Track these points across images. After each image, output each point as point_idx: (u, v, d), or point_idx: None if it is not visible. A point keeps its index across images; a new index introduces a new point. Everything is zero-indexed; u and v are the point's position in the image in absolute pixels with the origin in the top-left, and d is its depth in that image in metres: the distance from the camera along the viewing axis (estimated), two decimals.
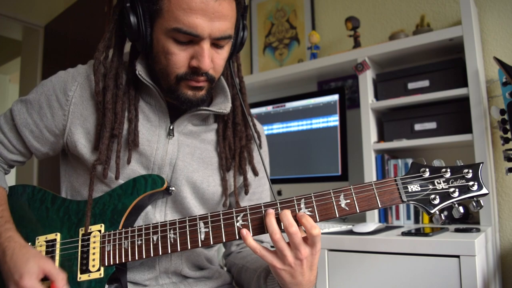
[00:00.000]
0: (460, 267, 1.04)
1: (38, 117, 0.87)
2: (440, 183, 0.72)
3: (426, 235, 1.14)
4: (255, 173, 0.99)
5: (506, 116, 1.17)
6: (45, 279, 0.78)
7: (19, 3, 3.17)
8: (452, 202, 0.72)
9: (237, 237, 0.75)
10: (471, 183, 0.71)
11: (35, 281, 0.72)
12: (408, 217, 1.55)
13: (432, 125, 1.54)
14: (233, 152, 0.95)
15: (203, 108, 0.88)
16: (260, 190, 1.03)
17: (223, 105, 0.91)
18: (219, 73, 0.85)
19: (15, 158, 0.92)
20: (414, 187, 0.73)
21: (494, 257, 1.37)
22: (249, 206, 0.76)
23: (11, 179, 0.93)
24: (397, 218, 1.57)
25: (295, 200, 0.75)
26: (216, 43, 0.80)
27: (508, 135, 1.17)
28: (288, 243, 0.72)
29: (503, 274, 1.49)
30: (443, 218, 0.72)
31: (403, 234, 1.19)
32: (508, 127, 1.17)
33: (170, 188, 0.85)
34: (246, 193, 0.97)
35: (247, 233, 0.74)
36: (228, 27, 0.79)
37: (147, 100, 0.90)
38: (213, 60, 0.81)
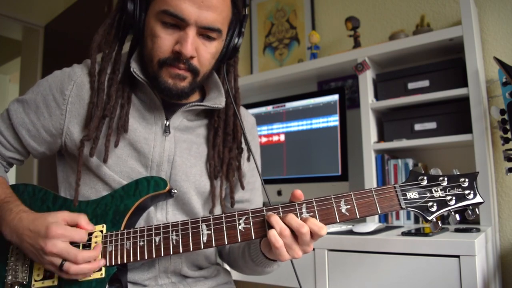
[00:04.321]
0: (460, 267, 1.04)
1: (35, 116, 0.87)
2: (437, 191, 0.74)
3: (426, 235, 1.15)
4: (242, 187, 0.98)
5: (506, 116, 1.17)
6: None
7: (19, 3, 3.16)
8: (448, 210, 0.73)
9: (239, 240, 0.75)
10: (467, 191, 0.73)
11: (63, 226, 0.74)
12: (408, 217, 1.56)
13: (432, 125, 1.54)
14: (221, 161, 0.94)
15: (198, 104, 0.89)
16: (253, 180, 1.04)
17: (218, 100, 0.91)
18: (204, 66, 0.85)
19: (12, 155, 0.92)
20: (412, 195, 0.74)
21: (494, 257, 1.37)
22: (251, 210, 0.77)
23: (11, 179, 0.93)
24: (397, 218, 1.57)
25: (296, 205, 0.75)
26: (203, 33, 0.81)
27: (508, 135, 1.17)
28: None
29: (503, 274, 1.50)
30: (440, 225, 0.74)
31: (403, 234, 1.20)
32: (508, 127, 1.17)
33: (172, 191, 0.85)
34: (232, 205, 0.97)
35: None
36: (217, 19, 0.80)
37: (142, 98, 0.90)
38: (199, 51, 0.82)
